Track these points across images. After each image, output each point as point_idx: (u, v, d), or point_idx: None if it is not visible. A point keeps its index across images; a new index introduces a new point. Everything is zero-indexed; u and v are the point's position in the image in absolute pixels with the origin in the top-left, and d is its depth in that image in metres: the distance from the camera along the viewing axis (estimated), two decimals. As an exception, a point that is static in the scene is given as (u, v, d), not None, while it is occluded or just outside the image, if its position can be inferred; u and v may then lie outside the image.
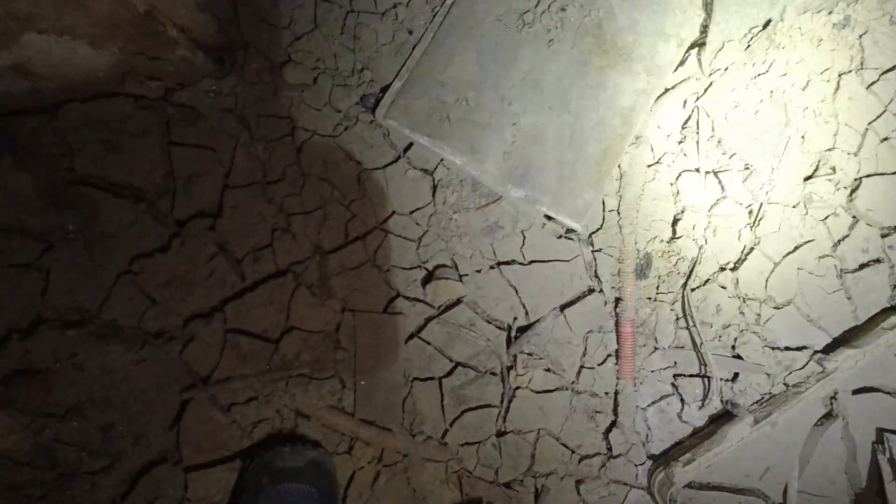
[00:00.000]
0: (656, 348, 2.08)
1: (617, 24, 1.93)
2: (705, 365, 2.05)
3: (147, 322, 1.88)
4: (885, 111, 2.10)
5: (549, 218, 1.97)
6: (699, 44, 2.06)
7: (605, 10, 1.93)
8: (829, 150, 2.09)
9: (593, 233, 2.05)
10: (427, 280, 1.97)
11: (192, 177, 1.94)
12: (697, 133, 2.11)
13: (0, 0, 1.22)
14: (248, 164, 1.97)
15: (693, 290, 2.08)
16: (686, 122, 2.12)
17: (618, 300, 2.05)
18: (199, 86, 1.96)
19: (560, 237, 2.05)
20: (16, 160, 1.77)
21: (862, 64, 2.11)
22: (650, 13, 1.94)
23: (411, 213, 2.02)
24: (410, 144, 2.00)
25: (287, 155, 1.99)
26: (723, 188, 2.12)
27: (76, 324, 1.83)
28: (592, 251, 2.05)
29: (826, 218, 2.09)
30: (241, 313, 1.93)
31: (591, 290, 2.05)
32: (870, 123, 2.10)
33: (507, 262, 2.04)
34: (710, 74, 2.10)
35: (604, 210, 2.04)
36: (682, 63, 2.05)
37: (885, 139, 2.10)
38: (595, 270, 2.06)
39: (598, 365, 2.04)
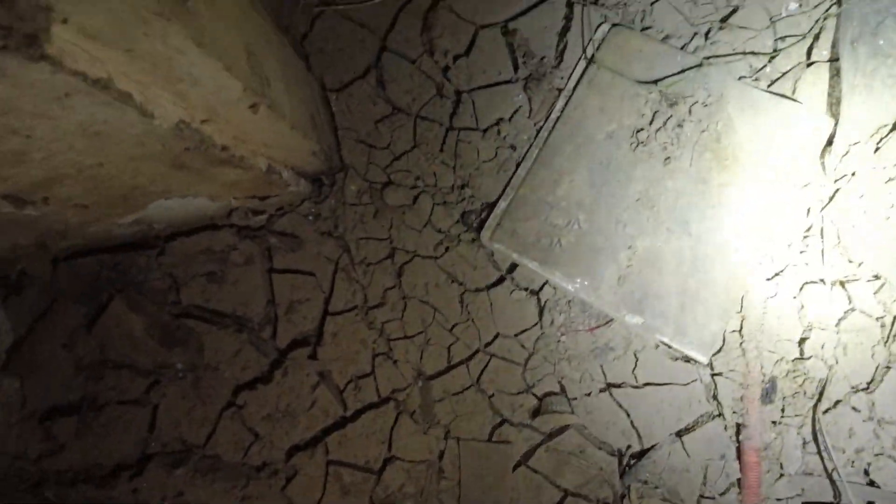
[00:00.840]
0: (782, 475, 1.92)
1: (737, 137, 1.81)
2: (838, 493, 1.87)
3: (251, 456, 1.84)
4: None
5: (667, 346, 1.85)
6: (823, 148, 1.92)
7: (724, 123, 1.81)
8: (975, 260, 1.91)
9: (714, 354, 1.91)
10: (536, 413, 1.87)
11: (294, 304, 1.90)
12: (822, 241, 1.95)
13: (132, 187, 1.19)
14: (349, 289, 1.92)
15: (823, 412, 1.91)
16: (808, 230, 1.97)
17: (740, 426, 1.90)
18: (298, 210, 1.93)
19: (677, 360, 1.92)
20: (127, 299, 1.76)
21: None
22: (771, 123, 1.81)
23: (517, 335, 1.93)
24: (515, 265, 1.92)
25: (387, 278, 1.94)
26: (851, 300, 1.95)
27: (182, 461, 1.80)
28: (712, 374, 1.91)
29: (974, 336, 1.90)
30: (342, 444, 1.87)
31: (710, 416, 1.91)
32: None
33: (618, 385, 1.92)
34: (836, 181, 1.95)
35: (724, 330, 1.91)
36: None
37: None
38: (715, 394, 1.92)
39: (720, 495, 1.89)
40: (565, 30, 1.94)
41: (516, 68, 1.94)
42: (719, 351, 1.92)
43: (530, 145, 1.91)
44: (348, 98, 1.95)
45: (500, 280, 1.93)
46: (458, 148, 1.94)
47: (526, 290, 1.93)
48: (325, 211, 1.95)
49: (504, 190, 1.89)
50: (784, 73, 1.96)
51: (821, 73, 1.95)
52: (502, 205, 1.87)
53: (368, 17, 1.95)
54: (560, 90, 1.92)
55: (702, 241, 1.77)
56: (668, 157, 1.81)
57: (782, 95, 1.88)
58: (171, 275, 1.85)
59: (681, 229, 1.78)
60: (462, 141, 1.94)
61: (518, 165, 1.90)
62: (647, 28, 1.91)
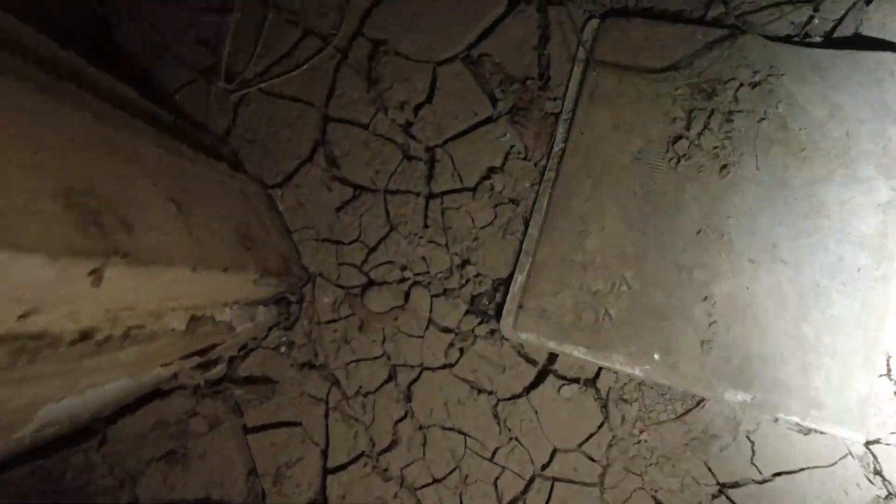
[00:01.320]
0: None
1: (809, 117, 1.32)
2: None
3: None
4: None
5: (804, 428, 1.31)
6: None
7: (786, 102, 1.33)
8: None
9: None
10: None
11: (282, 469, 1.44)
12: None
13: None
14: (348, 433, 1.47)
15: None
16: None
17: (930, 508, 1.32)
18: (265, 343, 1.51)
19: (809, 432, 1.37)
20: (66, 518, 1.35)
21: None
22: (851, 85, 1.32)
23: (580, 445, 1.42)
24: (555, 355, 1.43)
25: (394, 407, 1.47)
26: None
27: None
28: (867, 443, 1.35)
29: None
30: None
31: (879, 501, 1.34)
32: None
33: (736, 485, 1.38)
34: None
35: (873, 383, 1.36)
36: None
37: None
38: (877, 469, 1.35)
39: None
40: (544, 40, 1.51)
41: (494, 102, 1.51)
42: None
43: (536, 193, 1.45)
44: (296, 190, 1.55)
45: (541, 377, 1.45)
46: (447, 218, 1.50)
47: (577, 382, 1.44)
48: (299, 336, 1.52)
49: (517, 259, 1.43)
50: (840, 19, 1.47)
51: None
52: (519, 279, 1.41)
53: (301, 89, 1.57)
54: (556, 114, 1.48)
55: (804, 268, 1.26)
56: (725, 165, 1.32)
57: (851, 45, 1.38)
58: (120, 466, 1.42)
59: (769, 257, 1.28)
60: (449, 208, 1.51)
61: (527, 223, 1.45)
62: (646, 9, 1.47)
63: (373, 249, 1.53)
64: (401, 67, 1.53)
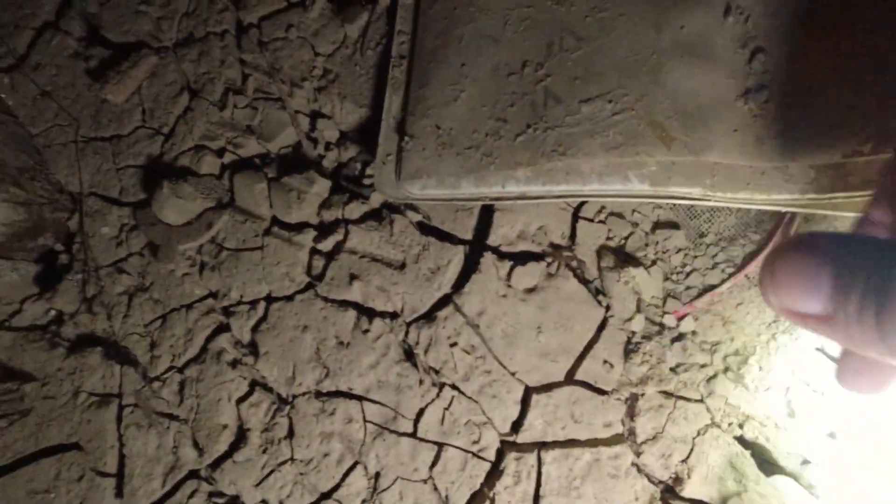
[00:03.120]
0: None
1: None
2: None
3: None
4: None
5: None
6: None
7: None
8: None
9: None
10: None
11: (51, 532, 0.79)
12: None
13: None
14: (160, 443, 0.82)
15: None
16: None
17: None
18: (15, 323, 0.89)
19: None
20: None
21: None
22: None
23: (579, 361, 0.76)
24: (489, 211, 0.81)
25: (231, 378, 0.83)
26: None
27: None
28: None
29: None
30: None
31: None
32: None
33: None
34: None
35: None
36: None
37: None
38: None
39: None
40: None
41: None
42: None
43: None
44: (35, 74, 0.98)
45: (473, 261, 0.81)
46: (272, 55, 0.92)
47: (540, 255, 0.80)
48: (68, 300, 0.90)
49: (389, 75, 0.83)
50: None
51: None
52: (394, 100, 0.80)
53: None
54: None
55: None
56: None
57: None
58: None
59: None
60: (274, 40, 0.92)
61: (392, 18, 0.86)
62: None
63: (169, 134, 0.94)
64: None
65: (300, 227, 0.87)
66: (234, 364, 0.84)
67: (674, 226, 0.77)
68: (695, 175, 0.64)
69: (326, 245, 0.86)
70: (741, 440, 0.74)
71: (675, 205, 0.77)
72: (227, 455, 0.80)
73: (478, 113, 0.71)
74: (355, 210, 0.85)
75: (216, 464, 0.80)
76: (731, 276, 0.74)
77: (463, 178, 0.70)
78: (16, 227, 0.90)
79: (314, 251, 0.86)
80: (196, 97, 0.95)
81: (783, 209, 0.68)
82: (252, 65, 0.94)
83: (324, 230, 0.86)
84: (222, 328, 0.85)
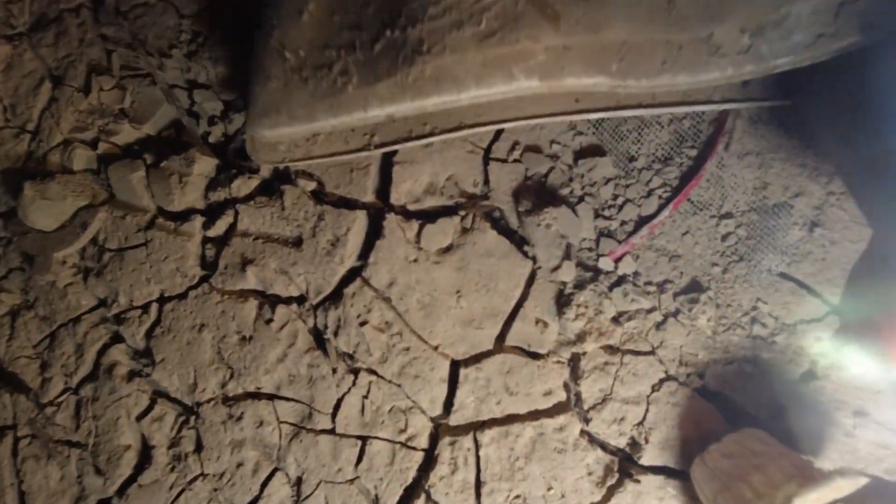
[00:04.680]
0: None
1: None
2: None
3: None
4: None
5: None
6: None
7: None
8: None
9: None
10: None
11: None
12: None
13: None
14: (62, 474, 0.74)
15: None
16: None
17: None
18: None
19: None
20: None
21: None
22: None
23: (507, 325, 0.66)
24: (389, 162, 0.70)
25: (129, 393, 0.74)
26: None
27: None
28: None
29: None
30: None
31: None
32: None
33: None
34: None
35: None
36: None
37: None
38: None
39: None
40: None
41: None
42: None
43: None
44: None
45: (375, 228, 0.70)
46: (135, 25, 0.81)
47: (452, 210, 0.68)
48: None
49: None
50: None
51: None
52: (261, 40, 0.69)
53: None
54: None
55: None
56: None
57: None
58: None
59: None
60: (134, 6, 0.81)
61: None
62: None
63: (35, 131, 0.83)
64: None
65: (186, 214, 0.77)
66: (131, 376, 0.74)
67: (599, 152, 0.65)
68: (596, 60, 0.51)
69: (217, 230, 0.75)
70: (703, 392, 0.63)
71: (593, 123, 0.65)
72: (132, 479, 0.72)
73: (327, 25, 0.59)
74: (243, 186, 0.75)
75: (121, 490, 0.72)
76: (669, 201, 0.63)
77: (317, 106, 0.59)
78: None
79: (205, 240, 0.76)
80: (59, 85, 0.84)
81: (719, 106, 0.56)
82: (114, 39, 0.83)
83: (212, 214, 0.76)
84: (115, 338, 0.76)
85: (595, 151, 0.66)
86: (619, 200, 0.65)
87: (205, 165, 0.77)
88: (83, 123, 0.83)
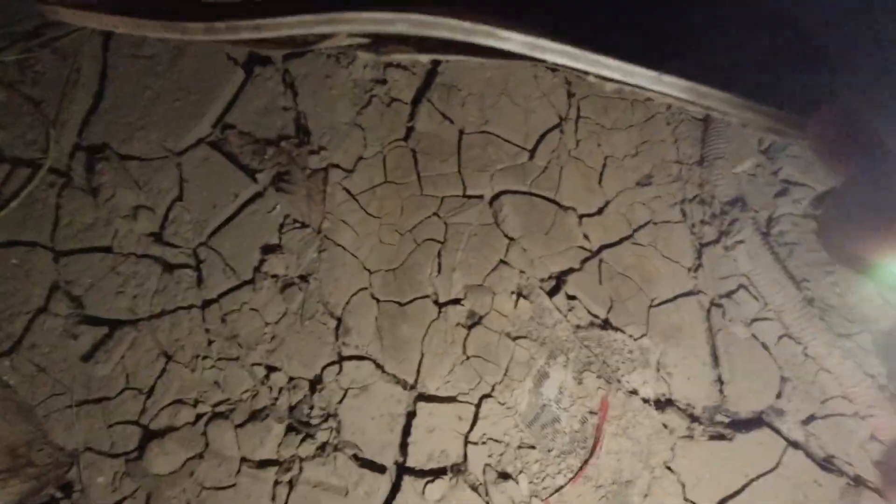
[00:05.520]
0: None
1: None
2: None
3: None
4: None
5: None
6: None
7: None
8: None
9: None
10: None
11: None
12: None
13: None
14: None
15: None
16: None
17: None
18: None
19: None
20: None
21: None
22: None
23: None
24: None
25: None
26: None
27: None
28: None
29: None
30: None
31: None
32: None
33: None
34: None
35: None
36: None
37: None
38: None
39: None
40: (292, 94, 1.34)
41: (254, 176, 1.29)
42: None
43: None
44: (31, 353, 1.21)
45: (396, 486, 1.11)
46: (230, 325, 1.21)
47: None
48: (74, 545, 1.11)
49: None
50: None
51: None
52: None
53: (16, 230, 1.27)
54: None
55: None
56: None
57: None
58: None
59: None
60: (231, 312, 1.21)
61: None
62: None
63: (150, 393, 1.19)
64: (134, 171, 1.29)
65: (265, 463, 1.14)
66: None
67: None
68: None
69: (286, 477, 1.13)
70: None
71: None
72: None
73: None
74: (307, 448, 1.14)
75: None
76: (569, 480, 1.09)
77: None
78: (24, 494, 1.11)
79: (276, 482, 1.13)
80: (171, 360, 1.21)
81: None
82: (215, 332, 1.22)
83: (282, 466, 1.14)
84: (208, 555, 1.10)
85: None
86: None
87: (276, 429, 1.16)
88: (187, 390, 1.20)
